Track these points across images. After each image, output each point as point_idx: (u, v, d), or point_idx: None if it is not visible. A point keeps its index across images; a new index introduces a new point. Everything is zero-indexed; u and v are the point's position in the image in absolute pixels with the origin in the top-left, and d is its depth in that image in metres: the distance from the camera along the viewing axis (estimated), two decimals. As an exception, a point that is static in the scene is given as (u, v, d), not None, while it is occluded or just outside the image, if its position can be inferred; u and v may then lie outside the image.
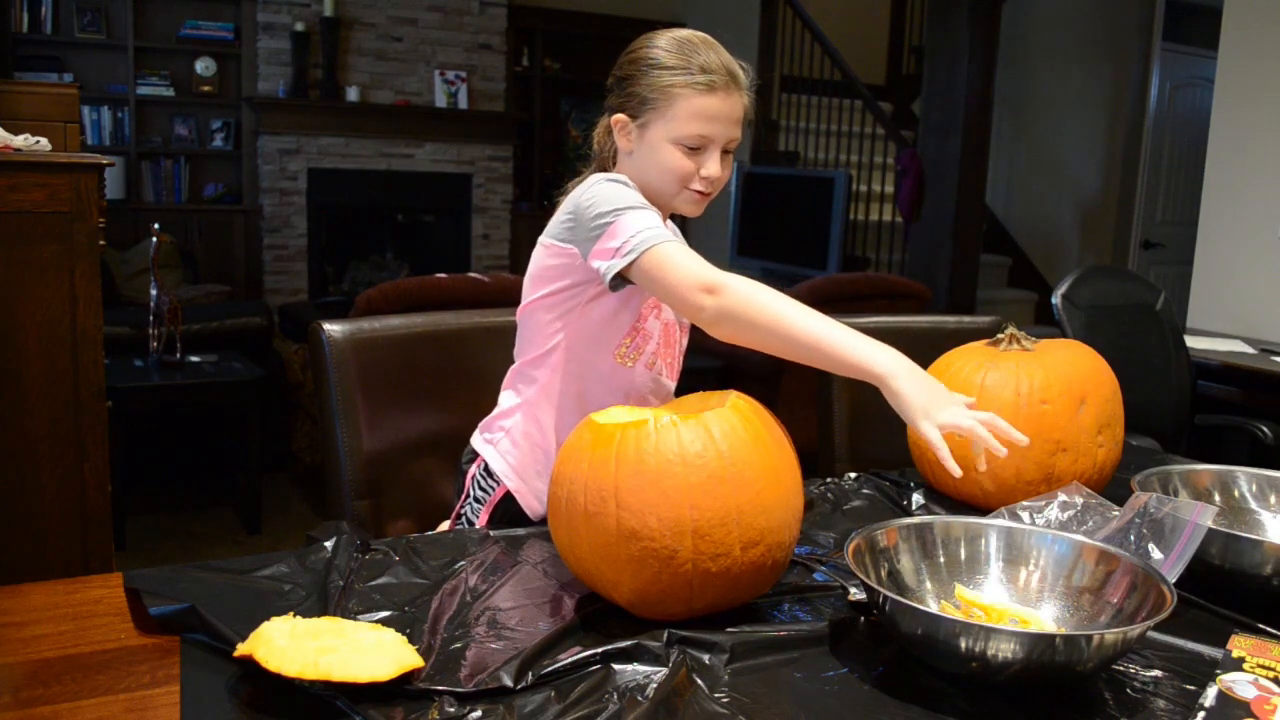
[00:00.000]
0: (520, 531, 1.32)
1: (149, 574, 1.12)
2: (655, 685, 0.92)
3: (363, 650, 0.89)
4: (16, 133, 2.13)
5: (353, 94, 6.14)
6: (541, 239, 1.39)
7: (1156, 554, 1.12)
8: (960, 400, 1.17)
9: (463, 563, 1.20)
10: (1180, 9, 5.53)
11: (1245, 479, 1.40)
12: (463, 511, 1.48)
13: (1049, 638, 0.89)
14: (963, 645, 0.91)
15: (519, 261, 6.68)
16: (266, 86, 6.02)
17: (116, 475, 2.43)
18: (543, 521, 1.36)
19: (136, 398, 3.49)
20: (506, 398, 1.47)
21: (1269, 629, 1.10)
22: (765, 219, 5.76)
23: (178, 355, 3.69)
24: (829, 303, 3.36)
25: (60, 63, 5.77)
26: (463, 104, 6.46)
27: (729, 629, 1.02)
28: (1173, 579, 1.06)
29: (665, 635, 1.00)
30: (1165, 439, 2.84)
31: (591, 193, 1.33)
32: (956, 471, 1.12)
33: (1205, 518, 1.13)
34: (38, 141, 2.15)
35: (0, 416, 1.97)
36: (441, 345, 1.66)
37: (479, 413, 1.52)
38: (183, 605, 1.00)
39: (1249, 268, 3.79)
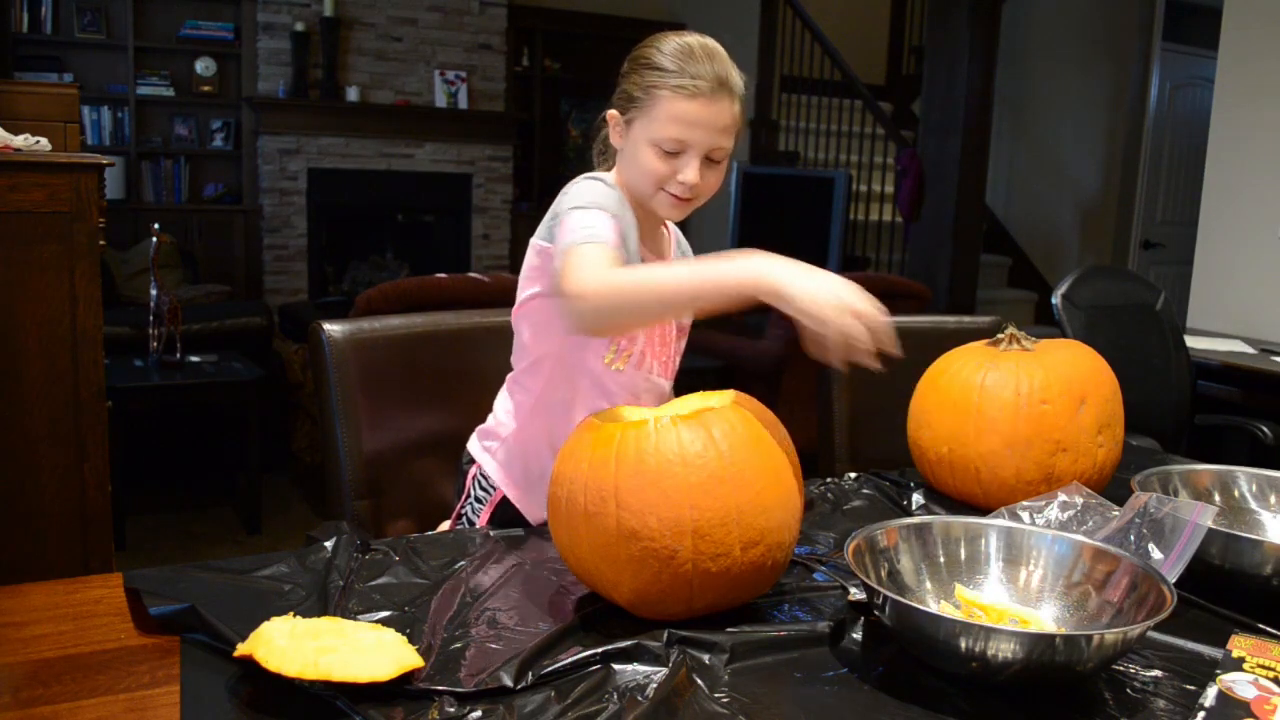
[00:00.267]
0: (520, 531, 1.33)
1: (149, 574, 1.12)
2: (655, 685, 0.92)
3: (363, 650, 0.89)
4: (16, 133, 2.13)
5: (353, 94, 6.14)
6: (532, 239, 1.40)
7: (1156, 554, 1.12)
8: (848, 282, 1.10)
9: (463, 563, 1.20)
10: (1180, 9, 5.53)
11: (1245, 479, 1.40)
12: (463, 511, 1.48)
13: (1049, 638, 0.89)
14: (963, 645, 0.91)
15: (519, 261, 6.61)
16: (266, 86, 6.02)
17: (116, 475, 2.43)
18: (543, 525, 1.36)
19: (136, 398, 3.49)
20: (502, 406, 1.47)
21: (1269, 629, 1.10)
22: (765, 219, 5.75)
23: (178, 355, 3.69)
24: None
25: (60, 63, 5.76)
26: (463, 104, 6.45)
27: (729, 629, 1.02)
28: (1173, 579, 1.06)
29: (665, 635, 1.00)
30: (1165, 439, 2.84)
31: (568, 191, 1.34)
32: (877, 365, 1.07)
33: (1205, 518, 1.13)
34: (38, 141, 2.15)
35: (0, 416, 1.97)
36: (441, 345, 1.66)
37: (479, 413, 1.52)
38: (183, 605, 1.00)
39: (1249, 268, 3.79)
